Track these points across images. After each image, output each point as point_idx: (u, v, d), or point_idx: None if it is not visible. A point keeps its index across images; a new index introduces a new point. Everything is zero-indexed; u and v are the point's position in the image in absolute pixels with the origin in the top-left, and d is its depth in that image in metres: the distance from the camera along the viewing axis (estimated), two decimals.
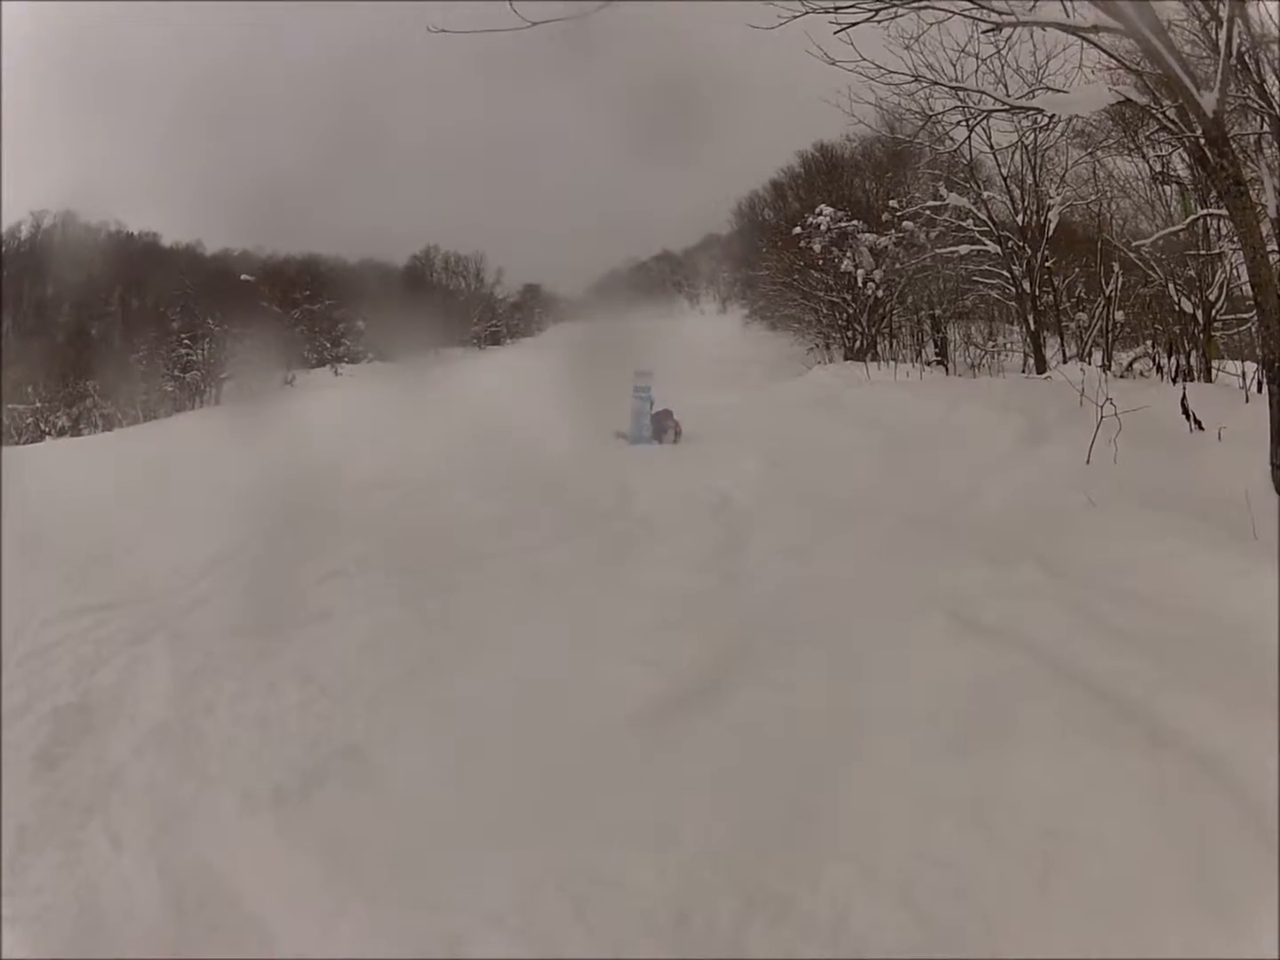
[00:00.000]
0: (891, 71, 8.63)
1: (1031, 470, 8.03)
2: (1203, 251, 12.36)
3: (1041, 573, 5.66)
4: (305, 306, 31.98)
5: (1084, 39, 7.54)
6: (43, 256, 30.69)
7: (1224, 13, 6.92)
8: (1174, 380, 11.66)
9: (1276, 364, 6.67)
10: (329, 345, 33.22)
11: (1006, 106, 9.25)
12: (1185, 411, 8.52)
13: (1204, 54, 8.66)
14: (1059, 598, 5.24)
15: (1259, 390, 9.02)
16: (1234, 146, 7.18)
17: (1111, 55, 7.87)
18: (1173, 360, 12.39)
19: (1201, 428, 8.37)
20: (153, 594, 7.22)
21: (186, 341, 30.23)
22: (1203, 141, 6.84)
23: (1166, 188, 13.51)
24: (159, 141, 37.18)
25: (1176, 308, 12.25)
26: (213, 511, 9.63)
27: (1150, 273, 12.73)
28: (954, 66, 11.03)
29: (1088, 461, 7.79)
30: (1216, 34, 8.24)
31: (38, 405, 26.39)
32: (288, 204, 22.92)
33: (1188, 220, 11.64)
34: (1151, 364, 13.59)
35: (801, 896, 3.09)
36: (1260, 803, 3.26)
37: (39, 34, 26.16)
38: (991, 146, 14.89)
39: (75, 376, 27.78)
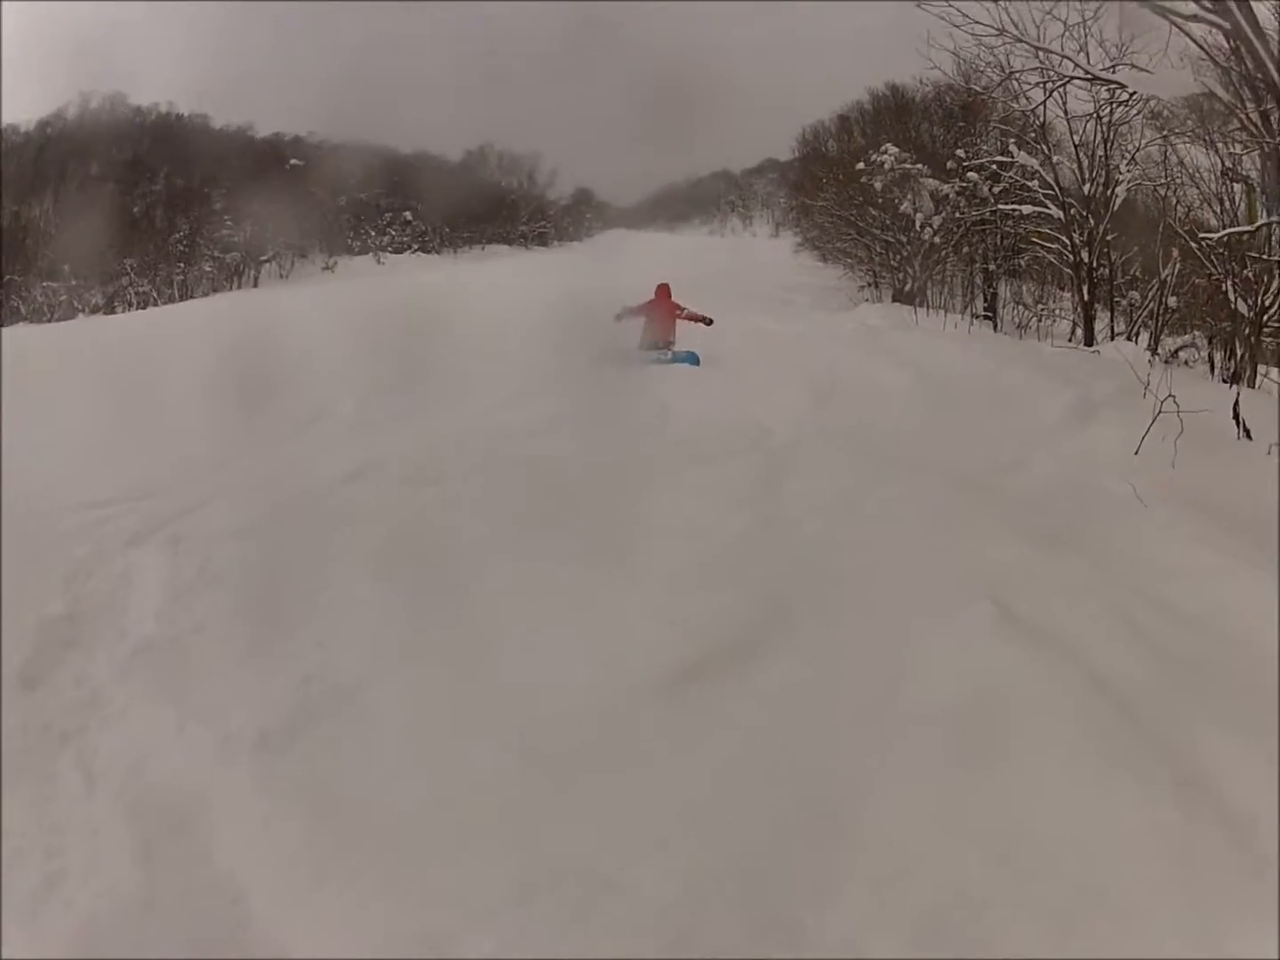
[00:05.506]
0: (977, 22, 8.51)
1: (1079, 449, 7.67)
2: (1264, 255, 11.99)
3: (1087, 567, 5.33)
4: (354, 195, 31.72)
5: (1176, 25, 7.29)
6: (89, 137, 30.22)
7: None
8: (1226, 381, 11.33)
9: None
10: (374, 234, 33.08)
11: (1089, 75, 9.04)
12: (1236, 417, 8.18)
13: None
14: (1104, 599, 4.91)
15: None
16: None
17: (1201, 46, 7.62)
18: (1229, 360, 12.06)
19: (1250, 438, 8.05)
20: (158, 488, 7.01)
21: (229, 222, 30.03)
22: None
23: (1235, 184, 13.13)
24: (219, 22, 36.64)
25: (1231, 306, 11.88)
26: (231, 404, 9.38)
27: (1209, 266, 12.33)
28: (1037, 27, 10.82)
29: (1137, 452, 7.45)
30: None
31: (73, 283, 26.21)
32: (346, 91, 22.57)
33: (1255, 226, 11.29)
34: (1197, 355, 13.32)
35: (812, 925, 2.85)
36: None
37: None
38: (1066, 112, 14.59)
39: (113, 255, 27.52)
